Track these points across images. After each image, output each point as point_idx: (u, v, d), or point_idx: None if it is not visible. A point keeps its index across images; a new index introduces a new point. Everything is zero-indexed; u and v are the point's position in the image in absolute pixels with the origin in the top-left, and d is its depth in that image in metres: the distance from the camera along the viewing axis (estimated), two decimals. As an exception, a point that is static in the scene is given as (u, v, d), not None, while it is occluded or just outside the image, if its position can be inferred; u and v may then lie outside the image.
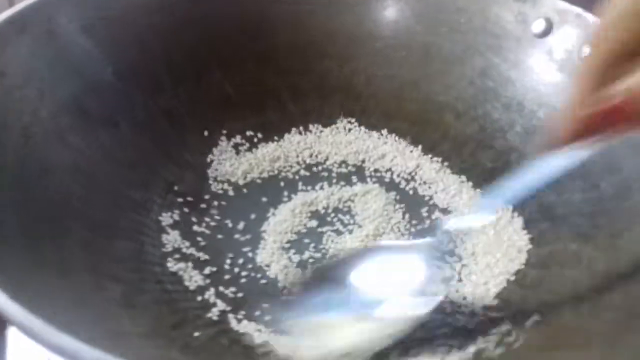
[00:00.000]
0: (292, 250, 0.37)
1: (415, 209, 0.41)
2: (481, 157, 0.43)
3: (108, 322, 0.29)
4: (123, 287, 0.32)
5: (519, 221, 0.39)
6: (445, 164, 0.43)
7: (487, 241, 0.38)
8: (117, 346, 0.27)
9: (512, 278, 0.36)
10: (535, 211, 0.39)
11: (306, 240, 0.38)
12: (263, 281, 0.36)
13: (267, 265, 0.36)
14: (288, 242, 0.38)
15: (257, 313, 0.33)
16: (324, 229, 0.39)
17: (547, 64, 0.43)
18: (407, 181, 0.42)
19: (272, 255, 0.37)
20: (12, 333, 0.34)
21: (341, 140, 0.45)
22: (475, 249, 0.38)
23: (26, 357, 0.33)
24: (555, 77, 0.43)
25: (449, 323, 0.33)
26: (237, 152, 0.43)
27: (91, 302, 0.30)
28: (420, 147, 0.44)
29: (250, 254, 0.37)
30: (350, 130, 0.46)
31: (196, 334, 0.31)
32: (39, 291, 0.28)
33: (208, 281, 0.35)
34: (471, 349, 0.31)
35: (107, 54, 0.40)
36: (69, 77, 0.38)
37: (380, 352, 0.30)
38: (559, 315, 0.32)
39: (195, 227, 0.38)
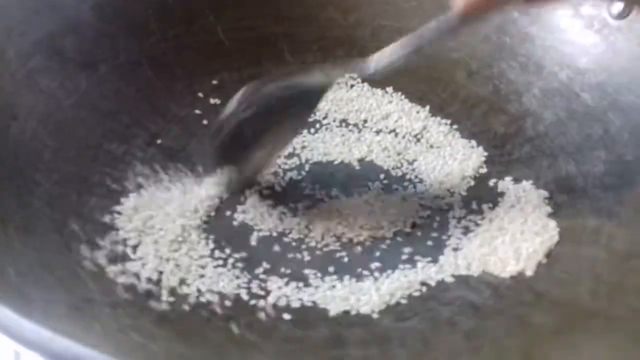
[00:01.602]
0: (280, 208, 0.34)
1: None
2: (493, 121, 0.40)
3: (75, 288, 0.26)
4: (92, 249, 0.29)
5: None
6: (454, 126, 0.40)
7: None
8: (84, 316, 0.25)
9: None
10: (552, 182, 0.36)
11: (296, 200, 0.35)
12: (253, 243, 0.33)
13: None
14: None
15: (244, 280, 0.30)
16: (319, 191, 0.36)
17: (572, 20, 0.40)
18: (412, 144, 0.39)
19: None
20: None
21: (342, 97, 0.42)
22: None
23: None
24: (581, 35, 0.39)
25: (457, 298, 0.30)
26: (228, 106, 0.40)
27: (58, 266, 0.27)
28: (427, 107, 0.41)
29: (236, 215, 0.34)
30: (352, 86, 0.42)
31: (174, 304, 0.28)
32: (2, 253, 0.26)
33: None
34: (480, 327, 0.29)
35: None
36: (41, 13, 0.35)
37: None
38: (575, 297, 0.29)
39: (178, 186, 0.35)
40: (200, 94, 0.40)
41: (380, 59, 0.33)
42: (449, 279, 0.31)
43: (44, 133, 0.32)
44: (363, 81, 0.42)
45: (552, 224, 0.33)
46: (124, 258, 0.30)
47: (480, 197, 0.35)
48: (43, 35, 0.35)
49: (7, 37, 0.33)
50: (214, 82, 0.40)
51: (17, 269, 0.24)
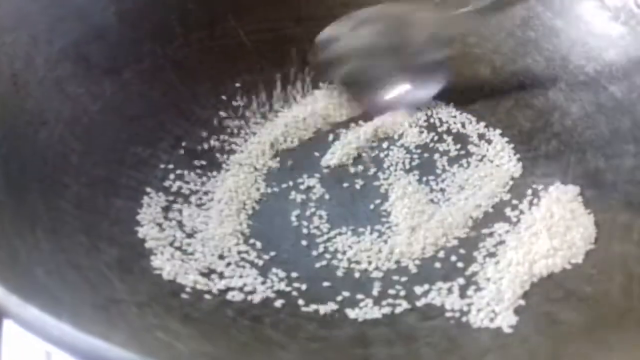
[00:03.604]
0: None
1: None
2: (519, 116, 0.39)
3: (102, 288, 0.27)
4: (120, 250, 0.29)
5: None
6: (481, 123, 0.39)
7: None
8: (110, 315, 0.25)
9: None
10: (580, 177, 0.35)
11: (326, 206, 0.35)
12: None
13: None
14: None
15: (267, 282, 0.31)
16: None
17: (597, 11, 0.39)
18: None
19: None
20: (7, 326, 0.31)
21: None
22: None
23: (23, 351, 0.29)
24: (608, 27, 0.38)
25: (483, 296, 0.30)
26: (253, 107, 0.40)
27: (85, 266, 0.27)
28: (451, 104, 0.40)
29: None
30: (375, 86, 0.42)
31: (199, 303, 0.28)
32: (30, 253, 0.26)
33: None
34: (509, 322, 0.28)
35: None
36: (66, 21, 0.35)
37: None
38: (606, 294, 0.29)
39: (203, 188, 0.35)
40: (224, 97, 0.40)
41: None
42: (477, 278, 0.31)
43: (71, 138, 0.33)
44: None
45: (590, 220, 0.33)
46: (149, 258, 0.30)
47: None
48: (69, 42, 0.35)
49: (34, 46, 0.33)
50: (237, 84, 0.40)
51: (46, 269, 0.25)
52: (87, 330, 0.20)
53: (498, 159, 0.37)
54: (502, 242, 0.32)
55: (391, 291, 0.30)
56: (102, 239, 0.29)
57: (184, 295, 0.29)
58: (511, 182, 0.36)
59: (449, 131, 0.39)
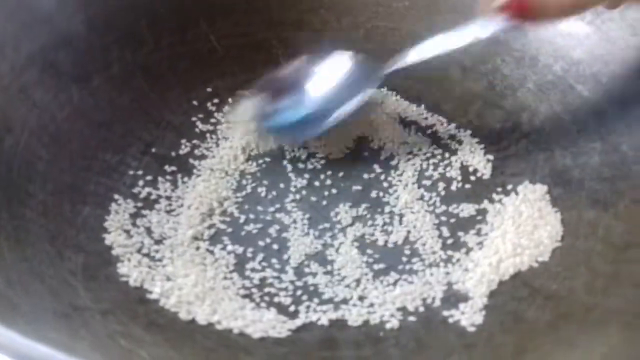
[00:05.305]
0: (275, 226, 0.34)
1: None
2: (489, 117, 0.39)
3: (65, 296, 0.27)
4: (85, 257, 0.29)
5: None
6: (452, 124, 0.40)
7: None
8: (72, 323, 0.25)
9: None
10: (548, 176, 0.35)
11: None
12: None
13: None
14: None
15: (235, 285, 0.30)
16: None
17: (564, 12, 0.39)
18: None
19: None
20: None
21: (337, 99, 0.41)
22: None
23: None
24: (574, 26, 0.39)
25: (454, 292, 0.30)
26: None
27: (48, 274, 0.27)
28: (422, 106, 0.41)
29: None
30: (347, 88, 0.42)
31: (165, 310, 0.28)
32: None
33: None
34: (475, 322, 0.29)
35: (77, 1, 0.37)
36: (33, 27, 0.35)
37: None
38: (571, 291, 0.29)
39: (173, 194, 0.35)
40: (195, 102, 0.40)
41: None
42: (444, 279, 0.31)
43: (37, 145, 0.33)
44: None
45: (557, 218, 0.33)
46: (116, 265, 0.30)
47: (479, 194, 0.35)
48: (36, 49, 0.35)
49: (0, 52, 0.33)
50: (209, 89, 0.40)
51: (6, 278, 0.25)
52: (43, 338, 0.19)
53: (469, 160, 0.37)
54: (470, 243, 0.33)
55: (360, 293, 0.31)
56: (67, 247, 0.29)
57: (150, 302, 0.28)
58: (481, 183, 0.36)
59: (420, 132, 0.39)
